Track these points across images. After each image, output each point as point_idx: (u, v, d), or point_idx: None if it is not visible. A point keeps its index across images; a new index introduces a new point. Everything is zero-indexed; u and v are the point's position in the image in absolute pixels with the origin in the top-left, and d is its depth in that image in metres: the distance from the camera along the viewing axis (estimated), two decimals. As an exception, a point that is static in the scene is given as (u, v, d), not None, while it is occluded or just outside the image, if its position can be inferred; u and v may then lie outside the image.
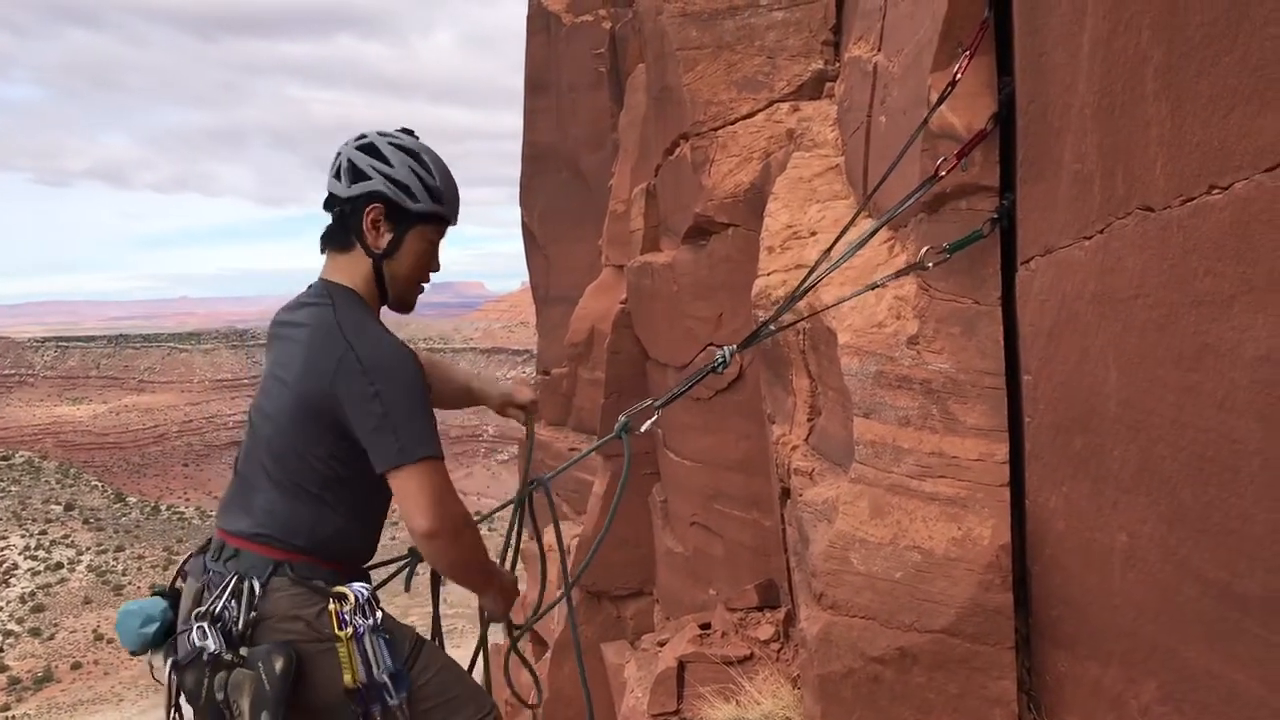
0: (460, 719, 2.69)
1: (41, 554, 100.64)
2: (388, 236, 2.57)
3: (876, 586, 2.73)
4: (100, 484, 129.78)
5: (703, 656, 5.28)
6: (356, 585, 2.53)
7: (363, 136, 2.61)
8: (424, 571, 2.97)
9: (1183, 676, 2.07)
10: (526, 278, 18.88)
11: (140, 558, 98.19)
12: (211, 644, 2.48)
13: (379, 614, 2.53)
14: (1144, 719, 2.21)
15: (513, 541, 3.16)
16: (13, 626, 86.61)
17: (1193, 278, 1.88)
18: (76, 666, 78.43)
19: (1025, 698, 2.68)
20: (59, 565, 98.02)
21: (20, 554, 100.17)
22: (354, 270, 2.61)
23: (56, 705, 71.01)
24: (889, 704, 2.72)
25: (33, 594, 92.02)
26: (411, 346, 2.58)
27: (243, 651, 2.46)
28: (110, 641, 73.65)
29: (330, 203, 2.62)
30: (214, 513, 2.79)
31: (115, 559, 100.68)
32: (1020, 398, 2.64)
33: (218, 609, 2.50)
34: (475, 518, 2.70)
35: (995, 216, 2.70)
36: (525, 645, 10.96)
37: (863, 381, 2.95)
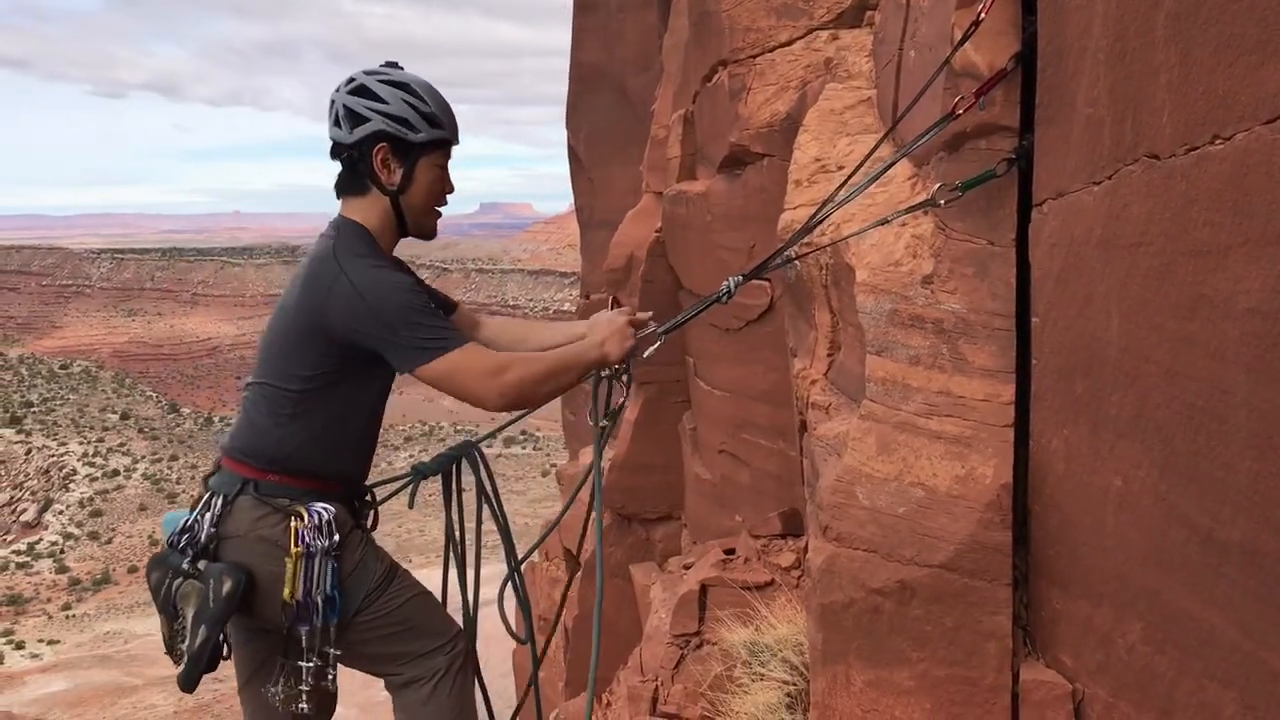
0: (419, 645, 2.79)
1: (99, 460, 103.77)
2: (399, 172, 2.64)
3: (880, 520, 2.78)
4: (155, 394, 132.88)
5: (723, 581, 5.40)
6: (318, 505, 2.62)
7: (352, 80, 2.66)
8: (433, 485, 3.07)
9: (1166, 618, 2.11)
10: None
11: (194, 467, 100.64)
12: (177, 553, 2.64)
13: (335, 537, 2.62)
14: (1129, 657, 2.26)
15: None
16: (73, 529, 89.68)
17: (1192, 227, 1.89)
18: (133, 570, 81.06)
19: (1021, 633, 2.74)
20: (115, 472, 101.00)
21: (79, 460, 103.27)
22: (369, 209, 2.68)
23: (115, 606, 73.60)
24: (887, 634, 2.79)
25: (91, 499, 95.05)
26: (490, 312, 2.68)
27: (200, 565, 2.58)
28: (165, 547, 76.08)
29: (336, 151, 2.68)
30: None
31: (170, 468, 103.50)
32: (1029, 340, 2.66)
33: (188, 522, 2.64)
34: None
35: (1012, 157, 2.67)
36: (559, 564, 11.22)
37: (877, 319, 2.97)
